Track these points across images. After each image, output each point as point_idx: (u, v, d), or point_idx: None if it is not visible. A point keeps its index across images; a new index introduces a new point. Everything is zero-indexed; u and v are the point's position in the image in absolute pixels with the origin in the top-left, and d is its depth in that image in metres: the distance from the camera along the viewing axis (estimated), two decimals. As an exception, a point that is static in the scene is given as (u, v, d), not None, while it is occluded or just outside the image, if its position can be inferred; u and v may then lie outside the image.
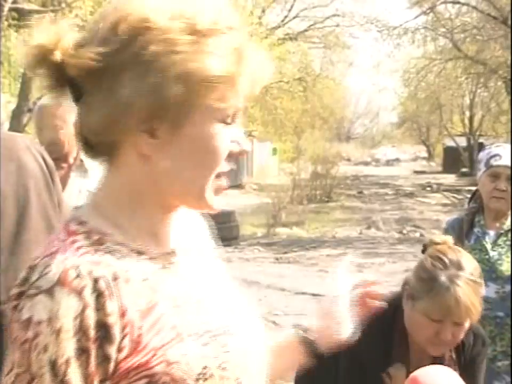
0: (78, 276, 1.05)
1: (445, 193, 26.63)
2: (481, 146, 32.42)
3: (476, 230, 3.36)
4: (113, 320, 1.06)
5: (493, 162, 3.31)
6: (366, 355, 2.23)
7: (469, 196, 3.69)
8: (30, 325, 1.03)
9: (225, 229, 13.80)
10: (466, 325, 2.23)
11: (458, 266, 2.23)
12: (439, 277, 2.21)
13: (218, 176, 1.15)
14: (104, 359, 1.05)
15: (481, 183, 3.38)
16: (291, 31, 30.42)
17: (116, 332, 1.06)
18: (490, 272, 2.90)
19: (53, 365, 1.02)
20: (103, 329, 1.05)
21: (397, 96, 41.77)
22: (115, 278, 1.08)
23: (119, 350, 1.06)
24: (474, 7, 24.63)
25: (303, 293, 8.82)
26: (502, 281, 3.21)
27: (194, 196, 1.15)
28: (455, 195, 25.08)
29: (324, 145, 31.00)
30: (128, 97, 1.08)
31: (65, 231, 1.13)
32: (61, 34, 1.11)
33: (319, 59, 33.37)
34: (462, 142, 36.85)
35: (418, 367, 2.14)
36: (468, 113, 38.20)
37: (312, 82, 30.38)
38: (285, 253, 13.55)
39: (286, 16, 30.66)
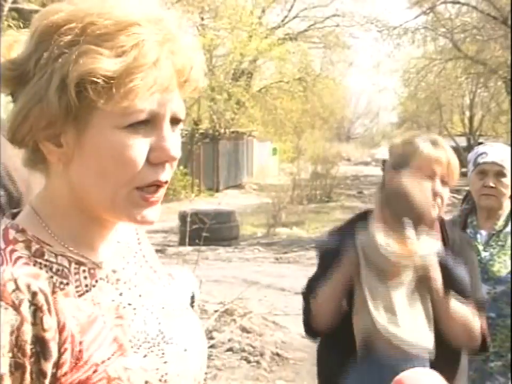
0: (16, 289, 1.01)
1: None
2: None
3: (468, 230, 3.36)
4: (51, 335, 1.02)
5: (480, 160, 3.34)
6: None
7: (469, 195, 3.69)
8: None
9: (225, 229, 13.82)
10: (448, 190, 2.50)
11: (433, 139, 2.53)
12: (420, 140, 2.50)
13: (142, 187, 1.07)
14: (39, 374, 1.02)
15: (471, 182, 3.41)
16: (291, 31, 30.42)
17: (53, 348, 1.02)
18: (482, 273, 2.90)
19: None
20: (40, 344, 1.01)
21: (397, 96, 41.73)
22: (54, 292, 1.05)
23: (58, 366, 1.03)
24: (474, 7, 24.63)
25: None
26: (493, 281, 3.21)
27: (107, 208, 1.09)
28: (455, 195, 24.88)
29: (324, 145, 31.00)
30: (26, 104, 1.05)
31: (4, 239, 1.08)
32: (9, 47, 1.11)
33: (319, 59, 33.40)
34: (462, 142, 36.81)
35: None
36: (467, 113, 38.17)
37: (312, 82, 30.39)
38: (285, 253, 13.54)
39: (286, 16, 30.67)
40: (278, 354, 6.55)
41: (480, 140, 34.18)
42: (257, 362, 6.44)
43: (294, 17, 31.15)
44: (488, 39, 23.24)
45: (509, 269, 3.22)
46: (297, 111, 30.28)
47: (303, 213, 19.85)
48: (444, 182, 2.49)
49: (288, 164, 34.79)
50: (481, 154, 3.37)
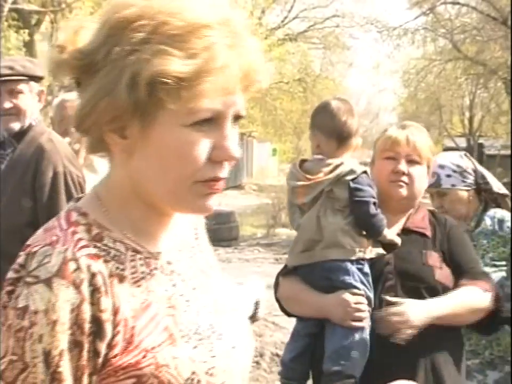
0: (77, 268, 1.05)
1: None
2: (481, 147, 32.50)
3: None
4: (107, 316, 1.06)
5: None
6: None
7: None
8: (26, 313, 1.03)
9: (225, 230, 13.82)
10: (421, 169, 2.54)
11: (402, 123, 2.64)
12: (389, 127, 2.64)
13: (201, 181, 1.10)
14: (94, 354, 1.06)
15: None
16: (291, 31, 30.38)
17: (108, 329, 1.06)
18: None
19: (47, 356, 1.02)
20: (96, 324, 1.05)
21: (396, 96, 41.76)
22: (111, 276, 1.09)
23: (110, 347, 1.07)
24: (474, 8, 24.61)
25: (303, 294, 8.77)
26: None
27: (168, 200, 1.13)
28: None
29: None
30: (94, 96, 1.08)
31: (66, 220, 1.13)
32: (75, 33, 1.12)
33: (319, 60, 33.35)
34: (462, 142, 36.81)
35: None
36: (467, 114, 38.15)
37: (312, 83, 30.36)
38: (285, 253, 13.48)
39: (285, 17, 30.63)
40: (277, 355, 6.55)
41: (480, 141, 34.25)
42: (257, 362, 6.44)
43: (294, 18, 31.12)
44: (488, 40, 23.22)
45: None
46: (297, 112, 30.25)
47: (303, 213, 19.81)
48: (412, 161, 2.52)
49: (288, 164, 34.78)
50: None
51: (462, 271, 2.48)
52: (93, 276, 1.06)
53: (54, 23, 15.75)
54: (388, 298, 2.36)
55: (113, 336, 1.07)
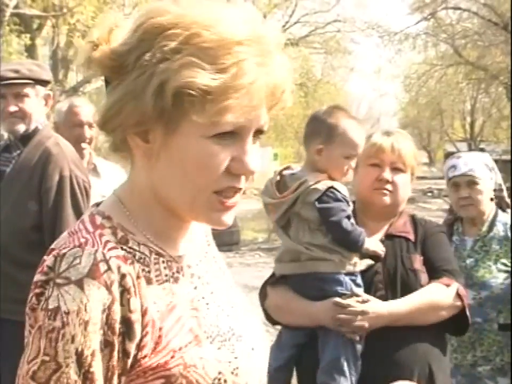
0: (108, 269, 1.06)
1: (446, 198, 26.52)
2: (482, 152, 32.43)
3: (454, 238, 3.39)
4: (136, 317, 1.07)
5: (450, 174, 3.40)
6: None
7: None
8: (57, 314, 1.03)
9: (226, 234, 13.80)
10: (405, 177, 2.51)
11: (387, 130, 2.61)
12: (374, 133, 2.58)
13: (220, 192, 1.11)
14: (124, 354, 1.07)
15: (449, 196, 3.51)
16: (292, 36, 30.39)
17: (137, 329, 1.07)
18: (466, 278, 2.91)
19: (79, 356, 1.03)
20: (126, 325, 1.06)
21: (398, 101, 41.85)
22: (138, 277, 1.10)
23: (139, 348, 1.08)
24: (475, 13, 24.66)
25: (304, 298, 8.75)
26: (478, 287, 3.22)
27: (186, 209, 1.14)
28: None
29: (325, 150, 30.90)
30: (121, 98, 1.09)
31: (91, 224, 1.14)
32: (110, 31, 1.13)
33: (320, 64, 33.42)
34: (463, 147, 36.82)
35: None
36: (469, 119, 38.23)
37: (313, 88, 30.43)
38: (286, 258, 13.51)
39: (287, 22, 30.67)
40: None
41: (481, 146, 34.25)
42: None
43: (295, 23, 31.18)
44: (489, 45, 23.26)
45: (493, 274, 3.24)
46: (298, 117, 30.26)
47: (304, 218, 19.78)
48: (396, 169, 2.50)
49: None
50: (450, 168, 3.42)
51: (433, 271, 2.45)
52: (122, 276, 1.07)
53: (56, 28, 15.80)
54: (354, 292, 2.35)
55: (142, 337, 1.08)
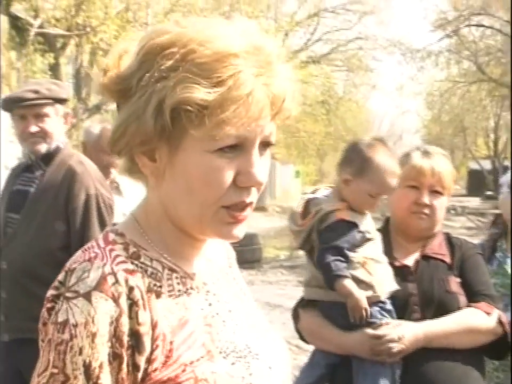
0: (115, 282, 1.07)
1: (470, 216, 26.42)
2: (506, 169, 32.19)
3: (497, 254, 3.31)
4: (145, 330, 1.07)
5: None
6: None
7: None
8: (66, 327, 1.04)
9: (248, 252, 13.77)
10: (443, 199, 2.46)
11: (425, 150, 2.52)
12: (412, 151, 2.49)
13: (227, 206, 1.11)
14: (134, 367, 1.07)
15: (505, 206, 3.34)
16: (314, 54, 30.50)
17: (147, 343, 1.08)
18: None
19: (87, 367, 1.04)
20: (135, 338, 1.07)
21: (420, 118, 41.73)
22: (148, 291, 1.11)
23: (150, 361, 1.08)
24: (499, 30, 24.57)
25: (327, 317, 8.68)
26: None
27: (195, 224, 1.14)
28: (479, 218, 24.87)
29: (347, 168, 30.84)
30: (125, 120, 1.11)
31: (104, 240, 1.16)
32: (119, 57, 1.15)
33: (342, 82, 33.42)
34: (487, 165, 36.65)
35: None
36: (492, 136, 37.99)
37: (335, 105, 30.41)
38: (308, 276, 13.44)
39: (309, 39, 30.77)
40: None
41: (505, 163, 33.97)
42: (280, 386, 6.37)
43: (317, 40, 31.25)
44: (513, 62, 23.11)
45: None
46: (320, 134, 30.30)
47: (326, 235, 19.70)
48: (435, 192, 2.45)
49: (311, 186, 34.73)
50: None
51: (472, 294, 2.40)
52: (130, 289, 1.08)
53: (79, 47, 15.95)
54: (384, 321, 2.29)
55: (153, 350, 1.08)
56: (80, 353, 1.03)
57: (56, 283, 1.10)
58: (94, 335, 1.04)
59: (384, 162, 2.29)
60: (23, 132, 3.09)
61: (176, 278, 1.16)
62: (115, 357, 1.05)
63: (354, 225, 2.30)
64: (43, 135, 3.11)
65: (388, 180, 2.29)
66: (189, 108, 1.05)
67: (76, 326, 1.04)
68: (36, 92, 3.08)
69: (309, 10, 29.62)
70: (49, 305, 1.09)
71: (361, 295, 2.24)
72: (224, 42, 1.07)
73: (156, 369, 1.08)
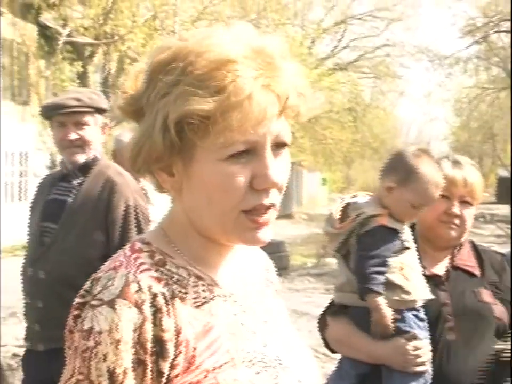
0: (139, 290, 1.08)
1: (499, 224, 26.12)
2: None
3: None
4: (169, 336, 1.08)
5: None
6: None
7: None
8: (91, 334, 1.06)
9: (275, 259, 13.61)
10: (472, 210, 2.43)
11: (455, 159, 2.48)
12: (441, 161, 2.43)
13: (248, 211, 1.11)
14: (158, 373, 1.07)
15: None
16: (341, 61, 30.50)
17: (171, 348, 1.08)
18: None
19: (111, 374, 1.05)
20: (159, 344, 1.07)
21: (448, 125, 41.43)
22: (172, 297, 1.11)
23: (172, 366, 1.08)
24: (528, 36, 24.32)
25: (354, 325, 8.63)
26: None
27: (219, 232, 1.15)
28: (509, 226, 24.58)
29: (374, 175, 30.77)
30: (139, 139, 1.13)
31: (130, 249, 1.17)
32: (136, 78, 1.17)
33: (369, 89, 33.34)
34: (516, 172, 36.22)
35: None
36: (522, 143, 37.57)
37: (362, 112, 30.33)
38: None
39: (336, 47, 30.78)
40: (328, 387, 6.43)
41: (535, 170, 33.57)
42: (307, 395, 6.33)
43: (344, 48, 31.24)
44: (542, 68, 22.89)
45: None
46: (347, 141, 30.19)
47: (354, 243, 19.63)
48: (465, 203, 2.42)
49: (338, 193, 34.68)
50: None
51: None
52: (154, 296, 1.09)
53: (107, 55, 16.07)
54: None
55: (175, 356, 1.08)
56: (105, 359, 1.04)
57: (82, 291, 1.12)
58: (118, 342, 1.04)
59: (429, 173, 2.28)
60: (63, 139, 3.09)
61: (202, 285, 1.16)
62: (139, 364, 1.06)
63: (395, 232, 2.28)
64: (82, 143, 3.10)
65: (431, 191, 2.27)
66: (191, 120, 1.06)
67: (100, 333, 1.05)
68: (78, 99, 3.09)
69: (336, 18, 29.63)
70: (75, 312, 1.11)
71: (389, 312, 2.21)
72: (221, 50, 1.08)
73: (177, 375, 1.08)
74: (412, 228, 2.51)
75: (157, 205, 3.94)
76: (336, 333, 2.41)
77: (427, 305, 2.28)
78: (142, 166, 1.14)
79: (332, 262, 16.75)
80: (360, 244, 2.28)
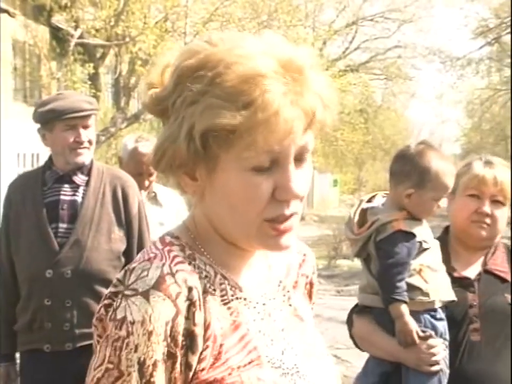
0: (174, 282, 1.09)
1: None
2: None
3: None
4: (199, 331, 1.09)
5: None
6: None
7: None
8: (123, 324, 1.06)
9: (286, 261, 13.71)
10: (504, 209, 2.42)
11: (487, 159, 2.49)
12: (473, 161, 2.48)
13: (270, 220, 1.12)
14: (186, 367, 1.08)
15: None
16: (352, 62, 30.41)
17: (200, 342, 1.09)
18: None
19: (141, 365, 1.05)
20: (190, 338, 1.08)
21: (460, 127, 41.31)
22: (204, 292, 1.12)
23: (199, 360, 1.09)
24: (541, 37, 24.19)
25: (365, 327, 8.61)
26: None
27: (242, 238, 1.16)
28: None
29: (386, 176, 30.60)
30: (163, 142, 1.13)
31: (161, 242, 1.18)
32: (162, 73, 1.17)
33: (380, 90, 33.26)
34: (529, 173, 36.06)
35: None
36: (534, 145, 37.40)
37: (374, 114, 30.29)
38: (347, 285, 13.37)
39: (347, 48, 30.68)
40: (339, 389, 6.41)
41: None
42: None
43: (355, 49, 31.14)
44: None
45: None
46: (358, 143, 30.12)
47: (365, 245, 19.58)
48: (496, 202, 2.42)
49: (349, 195, 34.66)
50: None
51: None
52: (189, 290, 1.09)
53: (118, 56, 16.10)
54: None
55: (203, 350, 1.09)
56: (136, 350, 1.05)
57: (115, 281, 1.12)
58: (150, 334, 1.05)
59: (440, 166, 2.32)
60: (74, 141, 3.12)
61: (228, 284, 1.18)
62: (169, 356, 1.06)
63: (412, 236, 2.31)
64: (89, 145, 3.17)
65: (449, 181, 2.33)
66: (216, 133, 1.06)
67: (133, 323, 1.05)
68: (90, 103, 3.18)
69: (347, 19, 29.54)
70: (106, 301, 1.12)
71: (412, 321, 2.26)
72: (251, 64, 1.07)
73: (203, 369, 1.09)
74: (447, 230, 2.51)
75: (166, 207, 3.96)
76: (359, 331, 2.47)
77: (454, 306, 2.31)
78: (165, 168, 1.15)
79: (343, 264, 16.72)
80: (380, 251, 2.32)
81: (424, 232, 2.34)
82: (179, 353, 1.07)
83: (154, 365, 1.05)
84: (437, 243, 2.38)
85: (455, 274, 2.39)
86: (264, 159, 1.08)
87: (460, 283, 2.36)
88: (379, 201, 2.43)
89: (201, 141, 1.07)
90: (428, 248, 2.33)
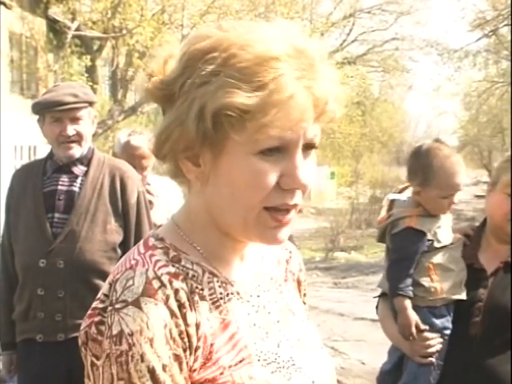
0: (161, 286, 1.08)
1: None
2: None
3: None
4: (192, 331, 1.08)
5: None
6: None
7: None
8: (122, 338, 1.04)
9: (283, 253, 13.72)
10: None
11: None
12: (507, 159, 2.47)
13: (271, 209, 1.11)
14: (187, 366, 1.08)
15: None
16: (349, 55, 30.36)
17: (194, 343, 1.08)
18: None
19: (152, 373, 1.04)
20: (187, 338, 1.08)
21: (457, 119, 41.28)
22: (192, 292, 1.11)
23: (193, 360, 1.09)
24: (538, 29, 24.16)
25: (362, 319, 8.61)
26: None
27: (239, 228, 1.14)
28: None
29: (383, 169, 30.78)
30: (169, 125, 1.11)
31: (144, 245, 1.16)
32: (165, 62, 1.16)
33: (377, 83, 33.24)
34: (525, 166, 36.02)
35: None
36: (531, 137, 37.39)
37: (371, 106, 30.27)
38: (344, 277, 13.40)
39: (344, 40, 30.61)
40: (337, 381, 6.43)
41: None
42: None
43: (353, 41, 31.08)
44: (552, 61, 22.75)
45: None
46: (356, 135, 30.13)
47: (362, 237, 19.66)
48: None
49: (346, 188, 34.65)
50: None
51: None
52: (176, 291, 1.08)
53: (115, 49, 16.07)
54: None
55: (196, 350, 1.09)
56: (142, 360, 1.03)
57: (101, 296, 1.11)
58: (151, 340, 1.04)
59: (444, 164, 2.35)
60: (60, 134, 3.12)
61: (217, 281, 1.16)
62: (175, 358, 1.06)
63: (422, 234, 2.36)
64: (78, 138, 3.15)
65: (452, 179, 2.35)
66: (230, 112, 1.04)
67: (131, 334, 1.04)
68: (75, 95, 3.13)
69: (345, 11, 29.47)
70: (96, 319, 1.09)
71: (413, 316, 2.33)
72: (265, 46, 1.06)
73: (195, 370, 1.08)
74: (485, 220, 2.53)
75: (160, 198, 3.98)
76: (380, 314, 2.59)
77: (465, 303, 2.35)
78: (168, 153, 1.13)
79: (340, 256, 16.76)
80: (392, 244, 2.41)
81: (440, 230, 2.39)
82: (182, 354, 1.06)
83: (164, 369, 1.04)
84: (461, 240, 2.43)
85: (476, 266, 2.41)
86: (274, 143, 1.07)
87: (477, 274, 2.38)
88: (403, 196, 2.49)
89: (212, 121, 1.06)
90: (440, 248, 2.37)
